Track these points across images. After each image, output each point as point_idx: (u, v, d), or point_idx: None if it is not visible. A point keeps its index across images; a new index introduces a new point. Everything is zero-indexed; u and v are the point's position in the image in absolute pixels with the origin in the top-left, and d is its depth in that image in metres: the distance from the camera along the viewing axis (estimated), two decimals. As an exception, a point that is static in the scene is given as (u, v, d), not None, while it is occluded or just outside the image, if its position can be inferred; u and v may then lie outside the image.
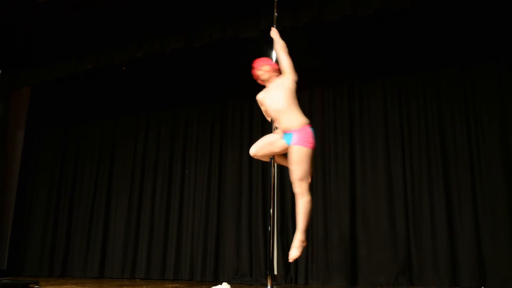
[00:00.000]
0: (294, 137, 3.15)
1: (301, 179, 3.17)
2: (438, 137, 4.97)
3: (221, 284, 4.46)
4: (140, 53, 5.35)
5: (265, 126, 5.39)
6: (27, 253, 7.02)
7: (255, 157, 3.47)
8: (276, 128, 3.43)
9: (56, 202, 7.10)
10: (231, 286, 4.42)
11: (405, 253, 4.83)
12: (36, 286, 4.29)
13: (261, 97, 3.46)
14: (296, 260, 5.26)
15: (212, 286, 4.41)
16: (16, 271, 6.85)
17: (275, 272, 5.32)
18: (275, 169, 3.60)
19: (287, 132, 3.22)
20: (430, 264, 4.69)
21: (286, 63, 3.38)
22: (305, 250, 5.28)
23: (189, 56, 6.01)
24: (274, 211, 3.46)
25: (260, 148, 3.38)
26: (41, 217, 7.08)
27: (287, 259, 5.29)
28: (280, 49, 3.47)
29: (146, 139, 6.79)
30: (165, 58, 5.87)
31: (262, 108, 3.53)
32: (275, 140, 3.33)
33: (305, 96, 5.73)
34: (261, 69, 3.41)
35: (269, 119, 3.58)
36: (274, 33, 3.62)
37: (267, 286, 3.18)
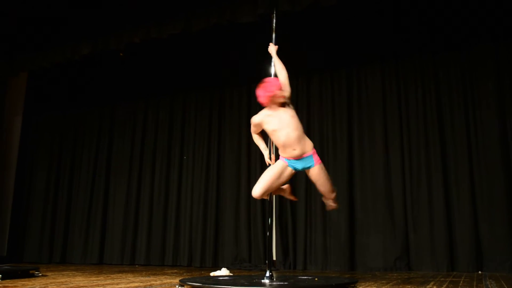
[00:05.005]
0: (314, 159, 3.19)
1: (333, 191, 3.29)
2: (436, 122, 4.96)
3: (220, 269, 4.48)
4: (137, 38, 5.29)
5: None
6: (26, 240, 7.06)
7: (259, 198, 3.24)
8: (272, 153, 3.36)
9: (55, 188, 7.11)
10: (230, 272, 4.44)
11: (403, 238, 4.86)
12: (37, 273, 4.30)
13: (260, 119, 3.24)
14: (294, 246, 5.33)
15: (211, 272, 4.43)
16: (16, 257, 6.88)
17: (274, 258, 5.35)
18: (274, 155, 3.58)
19: (303, 157, 3.17)
20: (427, 249, 4.72)
21: (286, 86, 3.27)
22: (304, 236, 5.32)
23: (186, 41, 5.95)
24: (272, 198, 3.46)
25: (268, 186, 3.17)
26: (40, 204, 7.10)
27: (286, 245, 5.37)
28: (280, 70, 3.33)
29: (144, 125, 6.76)
30: (163, 44, 5.82)
31: (254, 129, 3.33)
32: (282, 171, 3.19)
33: (303, 82, 5.71)
34: (276, 92, 3.14)
35: (257, 142, 3.40)
36: (272, 50, 3.47)
37: (265, 271, 3.18)
